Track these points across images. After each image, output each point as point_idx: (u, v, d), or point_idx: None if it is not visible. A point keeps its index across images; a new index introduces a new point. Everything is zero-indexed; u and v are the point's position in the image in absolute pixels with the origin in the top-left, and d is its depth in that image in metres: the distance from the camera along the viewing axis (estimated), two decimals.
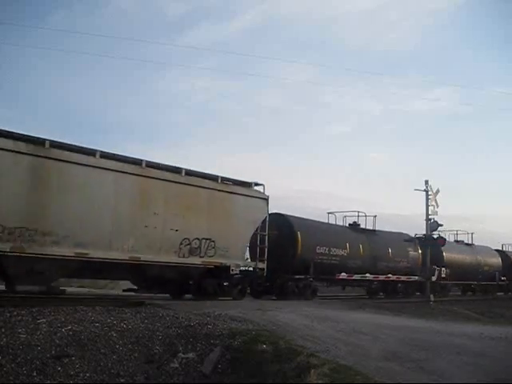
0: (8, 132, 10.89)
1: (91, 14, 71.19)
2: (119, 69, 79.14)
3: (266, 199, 15.95)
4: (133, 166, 12.79)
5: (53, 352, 6.95)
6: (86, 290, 18.59)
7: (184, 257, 13.62)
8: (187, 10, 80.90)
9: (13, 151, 10.67)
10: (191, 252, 13.80)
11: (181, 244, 13.55)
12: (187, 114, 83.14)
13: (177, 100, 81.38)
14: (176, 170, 13.82)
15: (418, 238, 23.53)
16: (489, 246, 32.13)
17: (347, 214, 21.71)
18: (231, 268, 14.76)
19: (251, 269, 15.83)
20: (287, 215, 18.46)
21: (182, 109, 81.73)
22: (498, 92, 74.05)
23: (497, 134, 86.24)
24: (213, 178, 14.68)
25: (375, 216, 21.82)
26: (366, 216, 21.67)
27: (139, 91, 78.01)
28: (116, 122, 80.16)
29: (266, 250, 15.95)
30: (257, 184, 16.04)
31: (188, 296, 14.88)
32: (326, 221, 21.34)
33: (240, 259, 15.37)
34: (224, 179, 15.01)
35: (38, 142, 11.19)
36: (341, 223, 21.83)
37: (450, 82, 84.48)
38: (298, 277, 17.77)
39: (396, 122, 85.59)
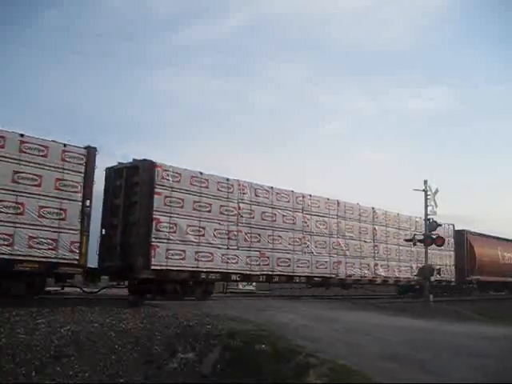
0: None
1: (83, 13, 70.92)
2: (114, 68, 79.04)
3: None
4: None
5: (52, 352, 6.96)
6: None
7: None
8: (179, 10, 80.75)
9: None
10: None
11: None
12: (183, 114, 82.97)
13: (171, 99, 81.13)
14: None
15: None
16: None
17: None
18: None
19: None
20: None
21: (177, 108, 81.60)
22: (493, 90, 74.17)
23: (493, 132, 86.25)
24: None
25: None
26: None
27: (134, 91, 77.93)
28: (112, 121, 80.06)
29: None
30: None
31: None
32: None
33: None
34: None
35: None
36: None
37: (445, 81, 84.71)
38: None
39: (392, 121, 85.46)
